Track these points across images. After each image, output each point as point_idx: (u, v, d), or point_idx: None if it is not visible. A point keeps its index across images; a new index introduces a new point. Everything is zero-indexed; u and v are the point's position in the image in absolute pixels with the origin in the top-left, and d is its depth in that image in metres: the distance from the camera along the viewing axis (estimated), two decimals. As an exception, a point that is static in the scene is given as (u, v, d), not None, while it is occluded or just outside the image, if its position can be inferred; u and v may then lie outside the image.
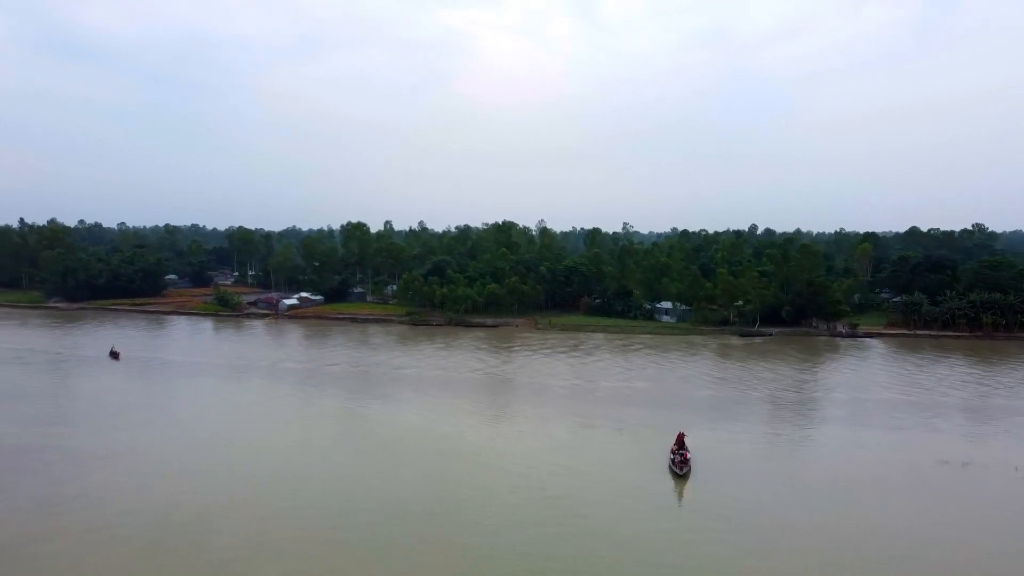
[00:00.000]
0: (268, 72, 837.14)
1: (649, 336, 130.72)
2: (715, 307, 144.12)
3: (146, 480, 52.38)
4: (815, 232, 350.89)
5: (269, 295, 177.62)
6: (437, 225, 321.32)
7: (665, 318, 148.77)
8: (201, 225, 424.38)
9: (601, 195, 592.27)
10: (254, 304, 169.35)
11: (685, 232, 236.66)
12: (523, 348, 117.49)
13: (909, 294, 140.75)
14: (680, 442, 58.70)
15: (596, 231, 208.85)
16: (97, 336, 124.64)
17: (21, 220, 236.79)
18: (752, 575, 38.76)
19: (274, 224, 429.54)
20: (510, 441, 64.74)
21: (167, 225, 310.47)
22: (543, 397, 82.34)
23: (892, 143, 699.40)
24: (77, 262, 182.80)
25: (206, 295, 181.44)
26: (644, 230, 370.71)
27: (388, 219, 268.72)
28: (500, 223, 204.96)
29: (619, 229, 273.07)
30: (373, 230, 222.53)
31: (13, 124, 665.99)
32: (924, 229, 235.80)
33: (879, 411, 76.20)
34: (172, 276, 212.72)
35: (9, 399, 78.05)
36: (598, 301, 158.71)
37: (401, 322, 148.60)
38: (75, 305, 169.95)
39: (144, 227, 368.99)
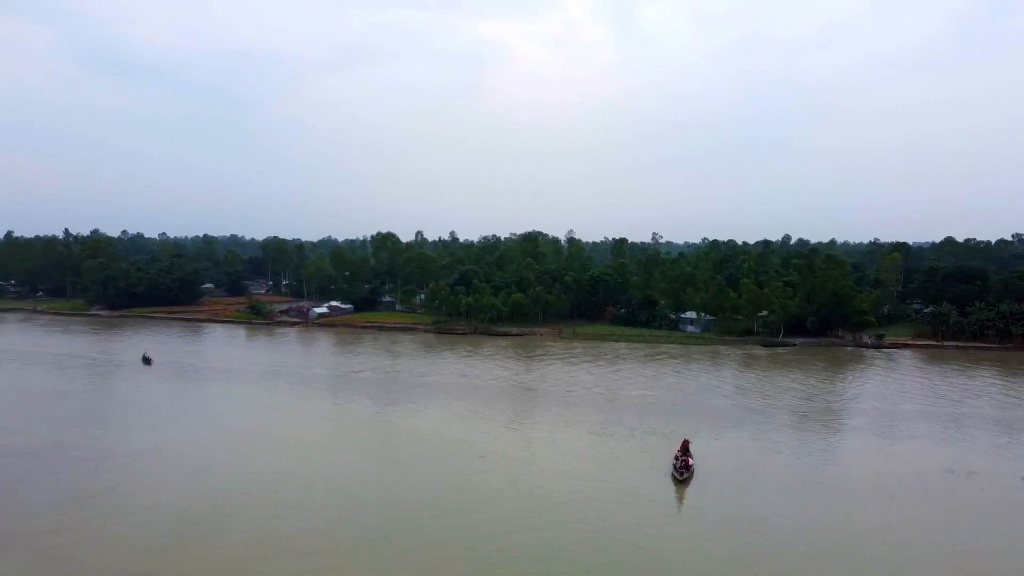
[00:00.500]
0: (307, 84, 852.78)
1: (672, 346, 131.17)
2: (739, 317, 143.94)
3: (168, 477, 55.11)
4: (853, 242, 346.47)
5: (300, 304, 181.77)
6: (471, 235, 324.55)
7: (690, 328, 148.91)
8: (240, 235, 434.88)
9: (634, 205, 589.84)
10: (285, 313, 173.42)
11: (715, 242, 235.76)
12: (545, 357, 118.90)
13: (938, 305, 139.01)
14: (685, 449, 59.72)
15: (623, 241, 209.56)
16: (133, 342, 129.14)
17: (66, 231, 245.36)
18: (740, 576, 39.77)
19: (311, 234, 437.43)
20: (519, 446, 66.19)
21: (205, 235, 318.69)
22: (559, 404, 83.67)
23: (931, 152, 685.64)
24: (118, 271, 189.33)
25: (240, 304, 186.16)
26: (679, 240, 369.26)
27: (420, 229, 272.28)
28: (527, 233, 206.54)
29: (649, 239, 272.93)
30: (405, 240, 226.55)
31: (61, 137, 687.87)
32: (961, 239, 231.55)
33: (893, 421, 76.03)
34: (209, 285, 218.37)
35: (48, 401, 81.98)
36: (623, 311, 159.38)
37: (427, 331, 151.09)
38: (115, 313, 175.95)
39: (185, 237, 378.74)
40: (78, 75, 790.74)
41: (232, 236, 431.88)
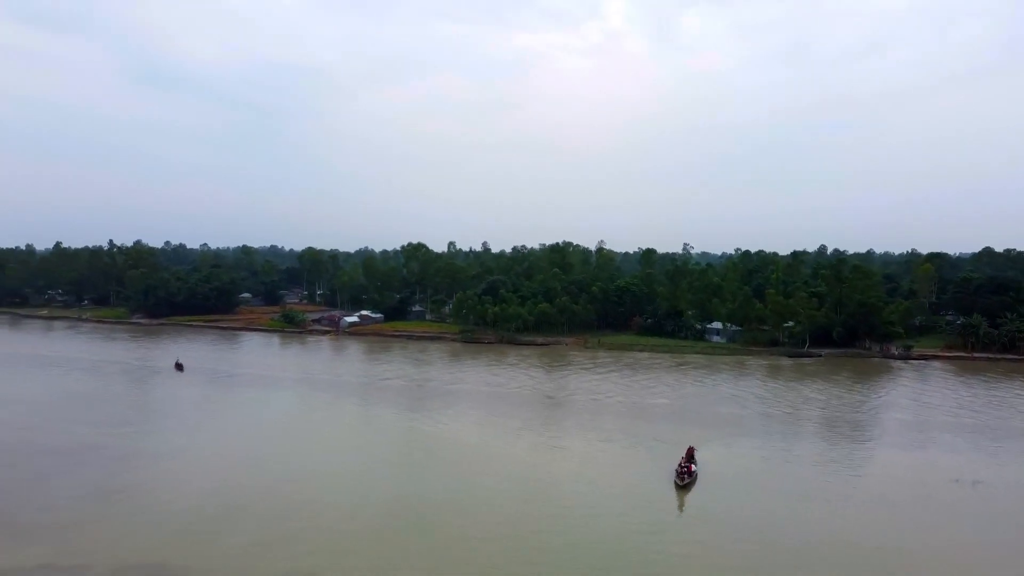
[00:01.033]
0: (348, 96, 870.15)
1: (696, 356, 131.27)
2: (765, 328, 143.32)
3: (188, 476, 57.91)
4: (896, 253, 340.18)
5: (331, 313, 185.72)
6: (505, 245, 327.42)
7: (715, 338, 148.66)
8: (280, 246, 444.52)
9: (668, 216, 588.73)
10: (317, 322, 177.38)
11: (747, 253, 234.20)
12: (568, 366, 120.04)
13: (970, 316, 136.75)
14: (690, 456, 60.57)
15: (651, 251, 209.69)
16: (169, 350, 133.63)
17: (110, 241, 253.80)
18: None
19: (349, 244, 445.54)
20: (528, 451, 67.66)
21: (243, 246, 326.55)
22: (575, 412, 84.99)
23: (973, 161, 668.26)
24: (158, 281, 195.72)
25: (274, 313, 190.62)
26: (717, 251, 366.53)
27: (452, 240, 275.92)
28: (556, 244, 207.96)
29: (680, 250, 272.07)
30: (439, 250, 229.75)
31: (108, 149, 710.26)
32: (1000, 250, 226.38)
33: (906, 431, 75.78)
34: (246, 295, 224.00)
35: (85, 404, 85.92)
36: (649, 321, 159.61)
37: (454, 340, 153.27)
38: (155, 321, 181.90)
39: (227, 248, 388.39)
40: (123, 89, 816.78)
41: (272, 247, 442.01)
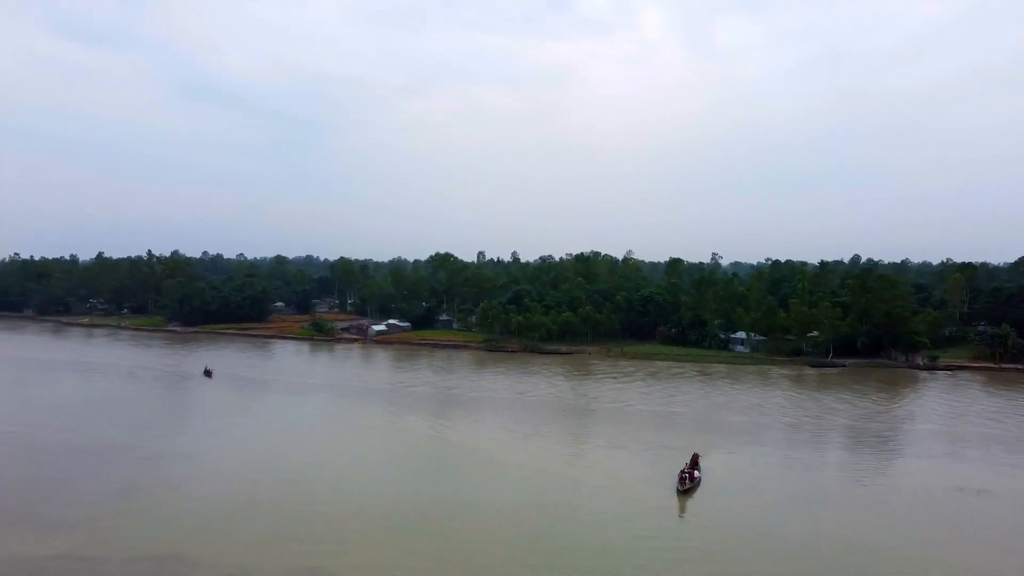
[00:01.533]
0: (383, 107, 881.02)
1: (719, 365, 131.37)
2: (790, 337, 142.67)
3: (209, 475, 60.64)
4: (935, 262, 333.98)
5: (360, 321, 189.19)
6: (533, 255, 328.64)
7: (739, 348, 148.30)
8: (315, 256, 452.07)
9: (702, 224, 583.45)
10: (346, 330, 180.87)
11: (776, 263, 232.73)
12: (590, 375, 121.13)
13: (999, 326, 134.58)
14: (694, 462, 61.53)
15: (677, 261, 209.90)
16: (200, 357, 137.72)
17: (149, 252, 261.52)
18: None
19: (383, 254, 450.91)
20: (537, 457, 68.80)
21: (277, 256, 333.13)
22: (592, 420, 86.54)
23: (1018, 169, 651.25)
24: (194, 290, 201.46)
25: (305, 321, 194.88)
26: (751, 260, 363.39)
27: (482, 249, 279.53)
28: (582, 254, 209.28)
29: (708, 260, 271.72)
30: (468, 260, 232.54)
31: (149, 161, 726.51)
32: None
33: (917, 440, 75.83)
34: (279, 304, 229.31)
35: (116, 408, 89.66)
36: (674, 330, 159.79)
37: (478, 348, 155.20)
38: (190, 329, 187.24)
39: (264, 258, 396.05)
40: (162, 102, 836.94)
41: (307, 256, 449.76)
